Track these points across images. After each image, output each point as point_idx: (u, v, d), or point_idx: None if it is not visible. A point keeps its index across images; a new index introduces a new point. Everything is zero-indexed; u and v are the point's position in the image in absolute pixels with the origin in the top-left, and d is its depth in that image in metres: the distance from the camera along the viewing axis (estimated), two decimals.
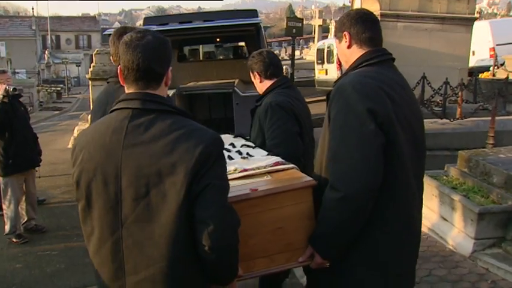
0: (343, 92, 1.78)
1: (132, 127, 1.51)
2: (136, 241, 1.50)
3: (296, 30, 10.08)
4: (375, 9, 8.63)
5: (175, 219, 1.45)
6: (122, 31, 2.48)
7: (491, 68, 12.41)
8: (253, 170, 2.01)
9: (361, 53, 1.92)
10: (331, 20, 36.40)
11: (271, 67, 2.77)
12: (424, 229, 4.75)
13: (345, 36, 1.95)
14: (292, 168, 2.05)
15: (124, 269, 1.53)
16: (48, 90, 27.15)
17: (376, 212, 1.74)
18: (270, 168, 2.03)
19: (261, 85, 2.82)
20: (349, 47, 1.95)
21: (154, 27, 5.66)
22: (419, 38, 8.72)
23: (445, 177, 4.83)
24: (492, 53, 13.87)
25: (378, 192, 1.71)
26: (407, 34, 8.68)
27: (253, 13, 6.72)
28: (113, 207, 1.52)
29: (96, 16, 56.73)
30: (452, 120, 6.20)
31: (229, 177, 1.80)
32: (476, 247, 3.98)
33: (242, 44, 9.96)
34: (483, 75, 11.84)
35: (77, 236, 5.16)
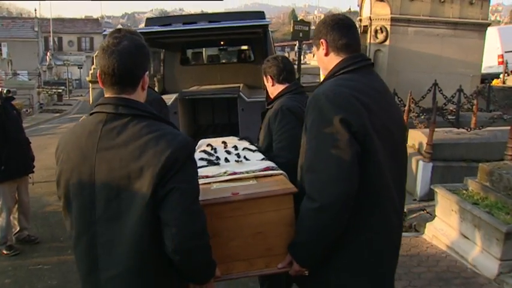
0: (317, 102, 1.80)
1: (105, 131, 1.58)
2: (108, 240, 1.57)
3: (303, 34, 9.81)
4: (386, 13, 8.36)
5: (140, 221, 1.51)
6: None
7: (501, 76, 12.11)
8: (242, 173, 2.06)
9: (338, 60, 1.91)
10: None
11: (285, 72, 2.81)
12: (442, 246, 4.45)
13: (322, 43, 1.95)
14: (280, 174, 2.08)
15: (98, 265, 1.60)
16: (49, 92, 26.88)
17: (355, 218, 1.77)
18: (258, 173, 2.07)
19: (273, 89, 2.86)
20: (326, 54, 1.95)
21: (157, 28, 5.40)
22: (430, 44, 8.44)
23: (464, 192, 4.52)
24: (501, 60, 13.58)
25: (357, 199, 1.74)
26: (418, 39, 8.40)
27: (260, 15, 6.42)
28: (87, 206, 1.58)
29: (99, 19, 56.62)
30: (469, 130, 5.90)
31: (217, 179, 1.97)
32: (502, 269, 3.68)
33: (246, 47, 9.70)
34: (493, 83, 11.55)
35: (72, 249, 4.86)
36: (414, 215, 5.43)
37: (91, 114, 1.66)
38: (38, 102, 22.83)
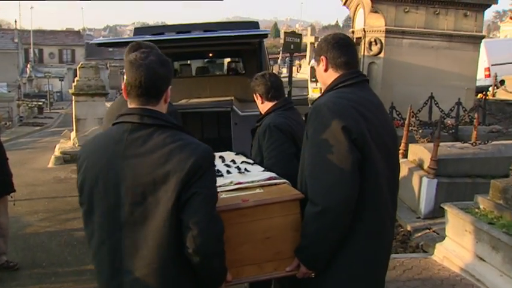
0: (318, 112, 1.91)
1: (131, 140, 1.66)
2: (133, 243, 1.64)
3: (294, 46, 9.59)
4: (380, 24, 8.22)
5: (166, 223, 1.59)
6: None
7: (490, 89, 12.09)
8: (248, 183, 2.15)
9: (337, 76, 2.04)
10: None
11: (272, 90, 2.87)
12: (455, 269, 4.19)
13: (322, 60, 2.08)
14: (284, 183, 2.18)
15: (121, 269, 1.66)
16: (29, 105, 26.18)
17: (354, 225, 1.87)
18: (263, 182, 2.17)
19: (263, 106, 2.94)
20: (325, 70, 2.08)
21: (147, 37, 5.08)
22: (425, 56, 8.31)
23: (477, 210, 4.29)
24: (487, 73, 13.61)
25: (357, 204, 1.83)
26: (413, 51, 8.27)
27: (255, 25, 6.17)
28: (112, 212, 1.65)
29: (81, 31, 55.94)
30: (474, 144, 5.70)
31: (225, 188, 2.06)
32: None
33: (236, 60, 9.44)
34: (480, 96, 11.50)
35: (55, 276, 4.46)
36: (419, 234, 5.18)
37: (114, 124, 1.75)
38: (18, 115, 22.15)
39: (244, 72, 8.33)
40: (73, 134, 11.32)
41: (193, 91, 7.54)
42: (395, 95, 8.23)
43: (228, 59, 9.30)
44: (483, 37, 8.51)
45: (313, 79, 15.00)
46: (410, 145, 6.37)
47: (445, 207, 4.42)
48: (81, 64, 11.42)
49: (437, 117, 7.62)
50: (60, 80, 37.22)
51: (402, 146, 6.49)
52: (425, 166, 5.81)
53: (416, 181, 5.74)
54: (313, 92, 15.12)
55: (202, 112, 7.11)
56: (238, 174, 2.35)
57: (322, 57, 2.08)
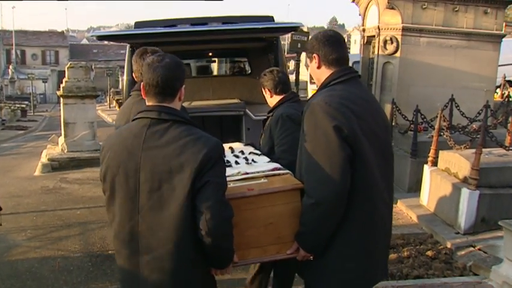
0: (312, 111, 2.06)
1: (150, 133, 1.88)
2: (149, 226, 1.84)
3: (301, 44, 9.01)
4: (396, 22, 7.67)
5: (181, 208, 1.79)
6: (143, 51, 2.82)
7: (498, 90, 11.66)
8: (253, 173, 2.36)
9: (330, 73, 2.17)
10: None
11: (281, 84, 3.11)
12: None
13: (315, 57, 2.20)
14: (287, 173, 2.36)
15: (139, 249, 1.86)
16: (12, 108, 25.12)
17: (349, 212, 2.04)
18: (267, 173, 2.37)
19: (272, 99, 3.18)
20: (318, 67, 2.19)
21: (159, 29, 4.43)
22: (443, 56, 7.77)
23: None
24: None
25: (350, 196, 2.01)
26: (430, 51, 7.73)
27: (270, 19, 5.53)
28: (132, 197, 1.87)
29: (64, 31, 54.66)
30: (508, 149, 5.18)
31: (232, 178, 2.25)
32: None
33: (241, 59, 8.81)
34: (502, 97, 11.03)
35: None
36: (463, 252, 4.61)
37: (134, 119, 1.96)
38: (0, 118, 21.14)
39: (250, 72, 7.72)
40: (61, 139, 10.53)
41: (196, 93, 6.90)
42: (412, 96, 7.69)
43: (231, 59, 8.64)
44: (504, 36, 8.02)
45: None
46: (440, 152, 5.82)
47: (504, 226, 3.86)
48: (70, 64, 10.65)
49: (458, 121, 7.13)
50: (43, 81, 36.08)
51: (432, 153, 5.94)
52: (461, 175, 5.26)
53: (452, 192, 5.18)
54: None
55: (203, 116, 6.41)
56: (246, 165, 2.55)
57: (315, 54, 2.20)
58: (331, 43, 2.15)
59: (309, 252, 2.14)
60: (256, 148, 3.00)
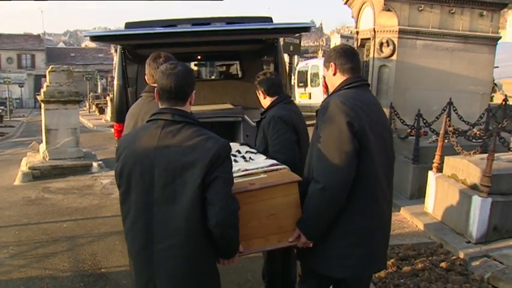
0: (327, 108, 2.34)
1: (164, 133, 2.05)
2: (163, 218, 2.00)
3: (294, 47, 8.79)
4: (392, 24, 7.50)
5: (192, 201, 1.95)
6: (157, 56, 2.97)
7: (493, 94, 11.65)
8: (253, 169, 2.53)
9: (344, 79, 2.49)
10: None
11: (273, 87, 3.24)
12: None
13: (332, 66, 2.53)
14: (284, 168, 2.57)
15: (153, 240, 2.01)
16: None
17: (349, 200, 2.28)
18: (266, 168, 2.56)
19: (265, 101, 3.30)
20: (334, 74, 2.53)
21: (159, 29, 4.11)
22: (439, 59, 7.63)
23: None
24: None
25: (353, 185, 2.26)
26: (427, 54, 7.57)
27: (268, 20, 5.26)
28: (147, 192, 2.02)
29: (41, 35, 53.40)
30: None
31: (234, 175, 2.23)
32: None
33: (232, 63, 8.52)
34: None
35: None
36: (477, 262, 4.41)
37: (149, 121, 2.15)
38: None
39: (242, 76, 7.44)
40: (42, 147, 10.03)
41: None
42: (408, 100, 7.52)
43: (222, 62, 8.32)
44: (499, 38, 7.95)
45: (301, 84, 14.12)
46: (446, 158, 5.64)
47: None
48: (52, 68, 10.17)
49: (456, 125, 6.98)
50: (20, 86, 35.22)
51: (437, 159, 5.75)
52: (470, 182, 5.08)
53: (462, 200, 4.99)
54: (301, 98, 14.19)
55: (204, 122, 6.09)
56: (245, 163, 2.70)
57: (332, 63, 2.52)
58: (346, 54, 2.49)
59: (310, 238, 2.35)
60: (251, 147, 3.15)
